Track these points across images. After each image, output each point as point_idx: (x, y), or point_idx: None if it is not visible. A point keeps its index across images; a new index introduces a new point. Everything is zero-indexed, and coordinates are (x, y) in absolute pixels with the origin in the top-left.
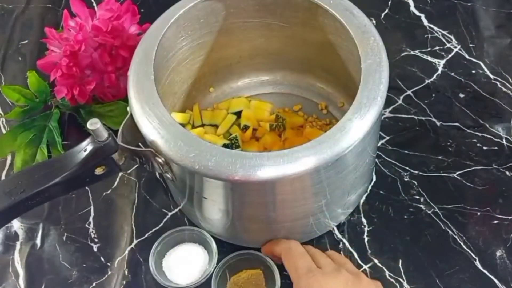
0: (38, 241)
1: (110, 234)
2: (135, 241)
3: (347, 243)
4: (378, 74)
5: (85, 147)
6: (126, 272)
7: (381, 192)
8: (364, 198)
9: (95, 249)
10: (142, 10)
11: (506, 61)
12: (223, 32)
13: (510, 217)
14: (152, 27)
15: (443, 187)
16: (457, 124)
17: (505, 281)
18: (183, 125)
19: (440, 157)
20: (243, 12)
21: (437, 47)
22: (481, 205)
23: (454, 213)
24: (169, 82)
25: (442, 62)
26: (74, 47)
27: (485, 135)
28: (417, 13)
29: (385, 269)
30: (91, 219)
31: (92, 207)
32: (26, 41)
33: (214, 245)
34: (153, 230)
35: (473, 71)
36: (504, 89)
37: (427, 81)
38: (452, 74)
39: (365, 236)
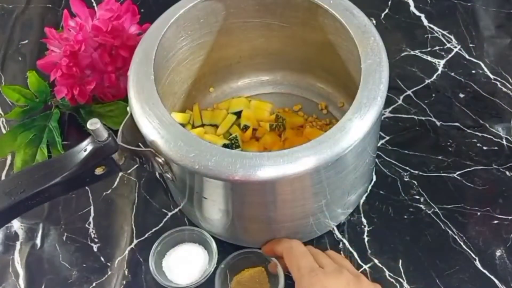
0: (38, 241)
1: (110, 234)
2: (135, 241)
3: (347, 243)
4: (378, 74)
5: (85, 147)
6: (126, 272)
7: (381, 192)
8: (364, 198)
9: (95, 249)
10: (142, 10)
11: (506, 61)
12: (223, 32)
13: (510, 217)
14: (152, 27)
15: (443, 187)
16: (457, 124)
17: (505, 281)
18: (183, 125)
19: (440, 157)
20: (243, 12)
21: (437, 47)
22: (481, 205)
23: (454, 213)
24: (169, 82)
25: (442, 62)
26: (74, 47)
27: (485, 135)
28: (417, 13)
29: (385, 269)
30: (91, 219)
31: (92, 207)
32: (26, 41)
33: (214, 245)
34: (153, 230)
35: (473, 71)
36: (504, 89)
37: (427, 81)
38: (452, 74)
39: (365, 236)
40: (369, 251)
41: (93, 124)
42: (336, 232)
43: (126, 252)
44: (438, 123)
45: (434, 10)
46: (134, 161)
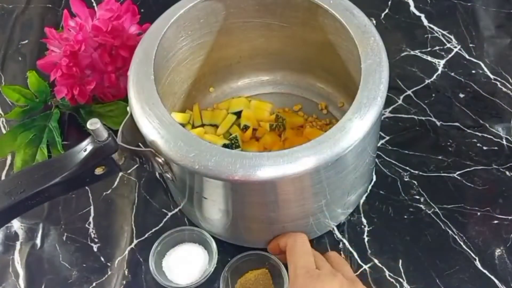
0: (38, 241)
1: (110, 234)
2: (135, 241)
3: (347, 243)
4: (378, 74)
5: (85, 147)
6: (126, 272)
7: (381, 192)
8: (364, 198)
9: (95, 249)
10: (142, 10)
11: (506, 61)
12: (223, 32)
13: (510, 217)
14: (152, 27)
15: (443, 187)
16: (457, 124)
17: (505, 281)
18: (183, 125)
19: (440, 157)
20: (243, 12)
21: (437, 47)
22: (481, 205)
23: (454, 213)
24: (169, 82)
25: (442, 62)
26: (74, 47)
27: (485, 135)
28: (417, 13)
29: (385, 269)
30: (91, 219)
31: (92, 207)
32: (26, 41)
33: (214, 245)
34: (153, 230)
35: (473, 71)
36: (504, 89)
37: (427, 81)
38: (452, 74)
39: (365, 236)
40: (369, 251)
41: (93, 124)
42: (336, 232)
43: (126, 252)
44: (438, 123)
45: (434, 10)
46: (134, 161)
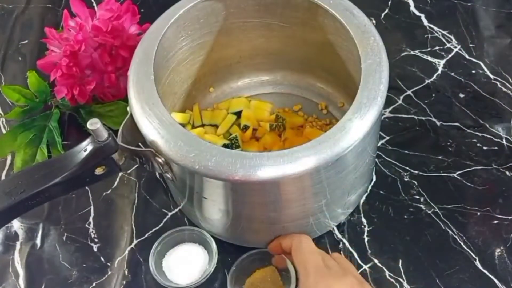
0: (38, 241)
1: (110, 234)
2: (135, 241)
3: (347, 243)
4: (378, 74)
5: (85, 147)
6: (126, 272)
7: (381, 192)
8: (364, 198)
9: (95, 249)
10: (142, 10)
11: (506, 61)
12: (223, 32)
13: (510, 217)
14: (152, 27)
15: (443, 187)
16: (457, 124)
17: (505, 281)
18: (183, 125)
19: (440, 157)
20: (243, 12)
21: (437, 47)
22: (481, 205)
23: (454, 213)
24: (169, 82)
25: (442, 62)
26: (74, 47)
27: (485, 135)
28: (417, 13)
29: (385, 269)
30: (91, 219)
31: (92, 207)
32: (26, 41)
33: (214, 245)
34: (153, 230)
35: (473, 71)
36: (504, 89)
37: (427, 81)
38: (452, 74)
39: (365, 236)
40: (369, 251)
41: (93, 124)
42: (336, 232)
43: (126, 252)
44: (438, 123)
45: (434, 10)
46: (134, 161)
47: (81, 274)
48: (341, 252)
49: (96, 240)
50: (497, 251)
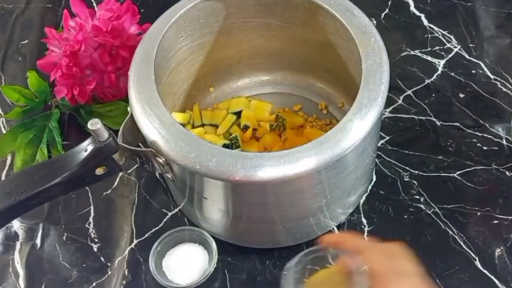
0: (38, 241)
1: (110, 234)
2: (135, 241)
3: None
4: (378, 74)
5: (86, 147)
6: (126, 272)
7: (381, 192)
8: (364, 198)
9: (95, 249)
10: (142, 10)
11: (506, 61)
12: (223, 32)
13: (510, 217)
14: (153, 27)
15: (443, 187)
16: (457, 124)
17: (505, 281)
18: (183, 125)
19: (440, 157)
20: (243, 12)
21: (437, 47)
22: (481, 205)
23: (454, 213)
24: (169, 82)
25: (442, 62)
26: (74, 47)
27: (485, 135)
28: (417, 13)
29: None
30: (91, 219)
31: (92, 207)
32: (26, 41)
33: (214, 245)
34: (153, 230)
35: (473, 71)
36: (504, 89)
37: (427, 81)
38: (452, 74)
39: (365, 236)
40: None
41: (94, 124)
42: (336, 232)
43: (126, 252)
44: (438, 123)
45: (434, 10)
46: (134, 161)
47: (81, 274)
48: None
49: (96, 240)
50: (497, 251)
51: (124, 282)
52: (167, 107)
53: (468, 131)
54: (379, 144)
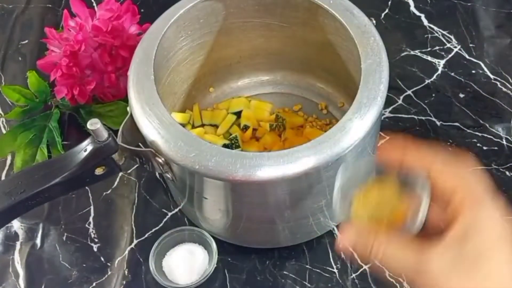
0: (38, 241)
1: (110, 234)
2: (135, 241)
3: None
4: (378, 74)
5: (85, 147)
6: (126, 272)
7: None
8: None
9: (95, 249)
10: (142, 10)
11: (506, 61)
12: (223, 32)
13: (510, 217)
14: (152, 27)
15: None
16: (457, 124)
17: None
18: (183, 125)
19: None
20: (243, 12)
21: (437, 47)
22: None
23: None
24: (169, 82)
25: (442, 62)
26: (74, 47)
27: (485, 135)
28: (417, 13)
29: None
30: (91, 219)
31: (92, 207)
32: (26, 41)
33: (214, 245)
34: (153, 230)
35: (473, 71)
36: (504, 89)
37: (427, 81)
38: (452, 74)
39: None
40: None
41: (93, 124)
42: (336, 232)
43: (126, 252)
44: (438, 123)
45: (434, 10)
46: (134, 161)
47: (81, 274)
48: (341, 252)
49: (96, 240)
50: None
51: (124, 282)
52: (166, 107)
53: (468, 131)
54: (379, 144)
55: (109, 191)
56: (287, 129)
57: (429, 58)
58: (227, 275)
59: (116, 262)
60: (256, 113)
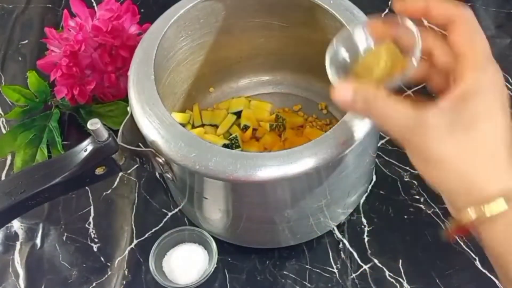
0: (38, 241)
1: (110, 234)
2: (135, 241)
3: (347, 243)
4: None
5: (85, 147)
6: (126, 272)
7: (381, 192)
8: (364, 198)
9: (95, 249)
10: (142, 10)
11: (506, 61)
12: (223, 32)
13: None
14: (152, 27)
15: None
16: None
17: None
18: (183, 125)
19: None
20: (243, 12)
21: None
22: None
23: None
24: (169, 82)
25: None
26: (74, 47)
27: None
28: None
29: (385, 269)
30: (91, 219)
31: (92, 207)
32: (26, 41)
33: (214, 245)
34: (153, 230)
35: None
36: None
37: None
38: None
39: (365, 236)
40: (369, 251)
41: (94, 124)
42: (336, 232)
43: (126, 252)
44: None
45: None
46: (134, 161)
47: (81, 274)
48: (341, 252)
49: (96, 240)
50: None
51: (124, 282)
52: (167, 107)
53: None
54: (379, 144)
55: (109, 191)
56: (287, 129)
57: None
58: (227, 275)
59: (116, 262)
60: (256, 113)
